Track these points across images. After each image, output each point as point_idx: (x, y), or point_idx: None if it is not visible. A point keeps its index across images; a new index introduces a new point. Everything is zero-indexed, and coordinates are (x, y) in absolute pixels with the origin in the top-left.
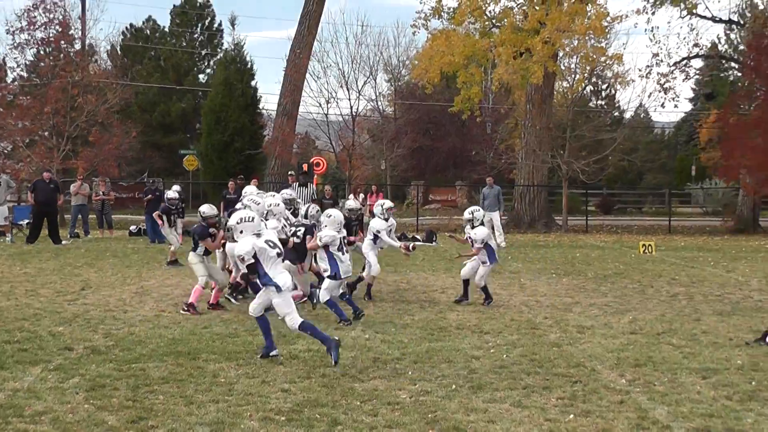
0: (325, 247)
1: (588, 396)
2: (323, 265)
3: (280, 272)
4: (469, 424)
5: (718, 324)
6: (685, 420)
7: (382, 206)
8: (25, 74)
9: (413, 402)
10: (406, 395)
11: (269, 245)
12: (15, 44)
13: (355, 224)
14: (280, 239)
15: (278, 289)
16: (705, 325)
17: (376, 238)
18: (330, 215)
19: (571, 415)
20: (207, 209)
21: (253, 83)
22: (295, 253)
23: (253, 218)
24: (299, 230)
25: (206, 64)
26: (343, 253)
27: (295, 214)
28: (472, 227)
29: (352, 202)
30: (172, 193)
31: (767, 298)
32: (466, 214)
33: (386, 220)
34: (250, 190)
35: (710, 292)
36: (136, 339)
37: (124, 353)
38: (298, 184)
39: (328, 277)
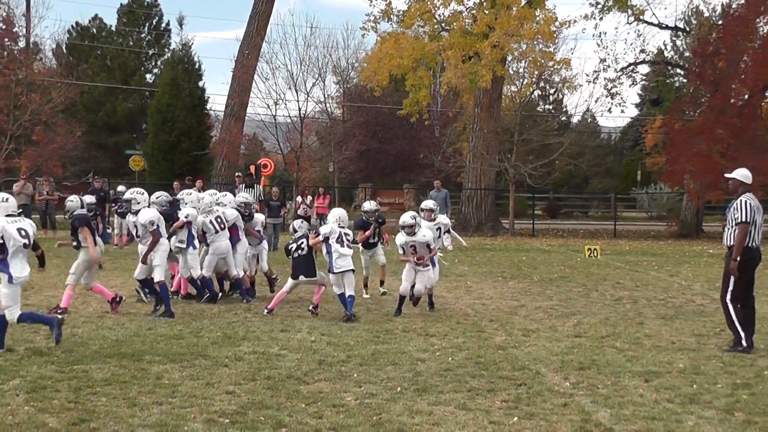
0: (325, 240)
1: (532, 398)
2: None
3: (20, 264)
4: (414, 426)
5: (662, 328)
6: (628, 423)
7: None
8: None
9: (358, 404)
10: (352, 398)
11: (20, 233)
12: None
13: (376, 226)
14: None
15: (10, 279)
16: (648, 329)
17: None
18: (333, 212)
19: (516, 418)
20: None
21: (200, 84)
22: (306, 265)
23: (8, 199)
24: (302, 243)
25: (153, 63)
26: (342, 246)
27: (250, 216)
28: (413, 233)
29: (369, 204)
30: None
31: (709, 303)
32: (408, 219)
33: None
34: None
35: (654, 296)
36: (79, 340)
37: (66, 355)
38: (245, 185)
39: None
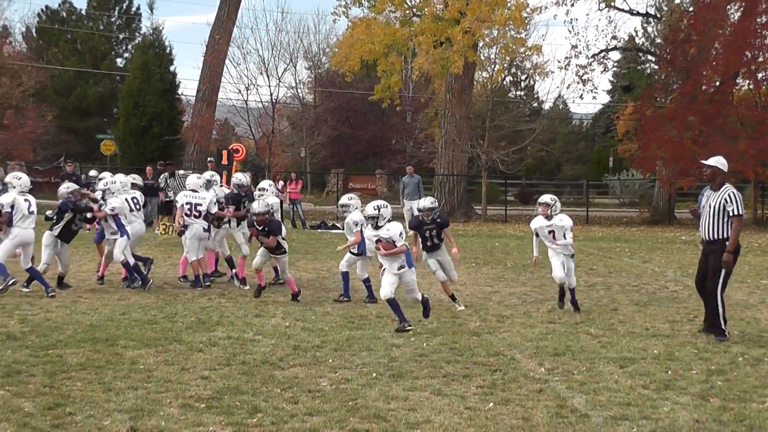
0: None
1: (507, 384)
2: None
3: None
4: (390, 412)
5: (635, 314)
6: (603, 408)
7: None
8: None
9: (334, 390)
10: (327, 383)
11: (28, 208)
12: None
13: (430, 228)
14: None
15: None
16: (622, 315)
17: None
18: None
19: (491, 404)
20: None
21: (171, 68)
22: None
23: (20, 178)
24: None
25: (124, 48)
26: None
27: (251, 198)
28: (377, 227)
29: (427, 202)
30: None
31: (682, 289)
32: (371, 210)
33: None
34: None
35: (627, 283)
36: (53, 325)
37: (41, 339)
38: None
39: (354, 253)
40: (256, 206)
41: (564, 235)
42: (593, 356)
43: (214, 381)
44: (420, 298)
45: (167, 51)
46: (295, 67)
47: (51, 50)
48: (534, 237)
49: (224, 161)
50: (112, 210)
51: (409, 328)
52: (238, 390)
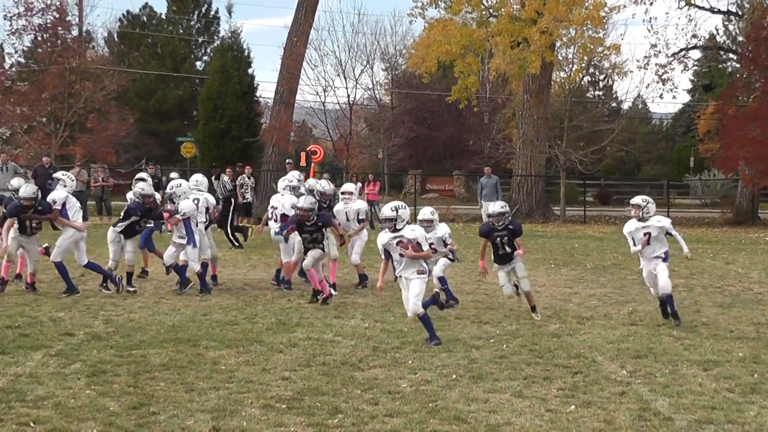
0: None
1: (589, 387)
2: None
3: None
4: (470, 414)
5: (719, 316)
6: (687, 412)
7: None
8: (22, 60)
9: (414, 391)
10: (407, 384)
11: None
12: (12, 30)
13: (501, 235)
14: None
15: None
16: (705, 317)
17: None
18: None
19: (573, 406)
20: (145, 188)
21: (250, 71)
22: None
23: (73, 179)
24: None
25: (203, 51)
26: None
27: (329, 207)
28: (395, 229)
29: (497, 206)
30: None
31: (767, 291)
32: (388, 212)
33: None
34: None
35: (710, 284)
36: (136, 325)
37: (125, 339)
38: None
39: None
40: (302, 202)
41: (668, 234)
42: (676, 358)
43: (294, 382)
44: (420, 313)
45: (245, 54)
46: (372, 69)
47: (132, 54)
48: (630, 243)
49: (302, 163)
50: (183, 215)
51: (433, 343)
52: (318, 391)
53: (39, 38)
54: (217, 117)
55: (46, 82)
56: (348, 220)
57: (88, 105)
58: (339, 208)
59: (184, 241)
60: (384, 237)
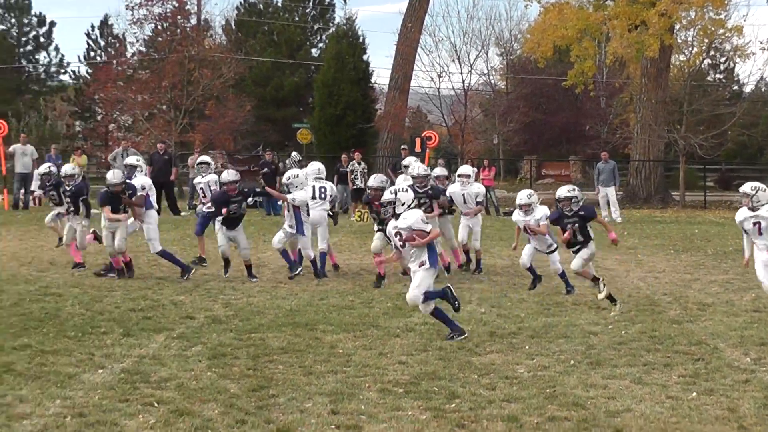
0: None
1: (711, 374)
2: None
3: None
4: (589, 400)
5: None
6: None
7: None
8: (143, 49)
9: (531, 377)
10: (524, 370)
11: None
12: (134, 20)
13: (572, 221)
14: None
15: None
16: None
17: None
18: None
19: (694, 393)
20: (228, 175)
21: (364, 57)
22: None
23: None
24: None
25: (318, 38)
26: None
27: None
28: (526, 213)
29: (564, 190)
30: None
31: None
32: (388, 195)
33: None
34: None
35: None
36: (255, 309)
37: (244, 323)
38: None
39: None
40: (373, 181)
41: None
42: None
43: (411, 366)
44: (423, 304)
45: (360, 40)
46: (486, 54)
47: (249, 42)
48: (743, 234)
49: (417, 149)
50: (293, 201)
51: (459, 338)
52: (435, 375)
53: (159, 27)
54: (333, 103)
55: (166, 70)
56: (465, 202)
57: (206, 92)
58: (456, 189)
59: (293, 231)
60: (390, 226)
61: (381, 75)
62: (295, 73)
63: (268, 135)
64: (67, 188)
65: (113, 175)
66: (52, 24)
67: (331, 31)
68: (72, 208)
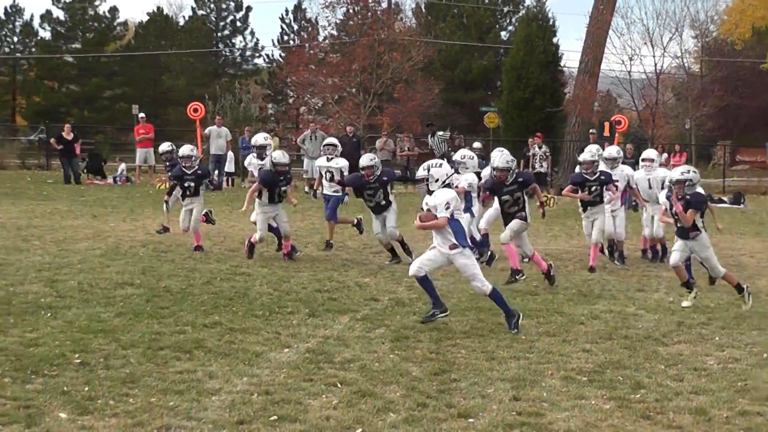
0: None
1: None
2: None
3: None
4: None
5: None
6: None
7: None
8: (335, 32)
9: (721, 369)
10: (714, 361)
11: None
12: (327, 3)
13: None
14: None
15: None
16: None
17: None
18: None
19: None
20: (279, 156)
21: (554, 40)
22: None
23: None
24: None
25: (508, 21)
26: None
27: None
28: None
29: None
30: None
31: None
32: (421, 171)
33: None
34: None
35: None
36: (438, 293)
37: (427, 306)
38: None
39: None
40: (498, 161)
41: None
42: None
43: (595, 354)
44: (488, 291)
45: (550, 23)
46: (680, 36)
47: (438, 25)
48: None
49: (606, 133)
50: (469, 186)
51: (440, 316)
52: (620, 364)
53: (350, 11)
54: (521, 87)
55: (357, 54)
56: (650, 188)
57: (395, 75)
58: (640, 175)
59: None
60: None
61: (570, 58)
62: (483, 56)
63: (455, 118)
64: (188, 171)
65: (281, 156)
66: (249, 9)
67: (520, 14)
68: (193, 190)
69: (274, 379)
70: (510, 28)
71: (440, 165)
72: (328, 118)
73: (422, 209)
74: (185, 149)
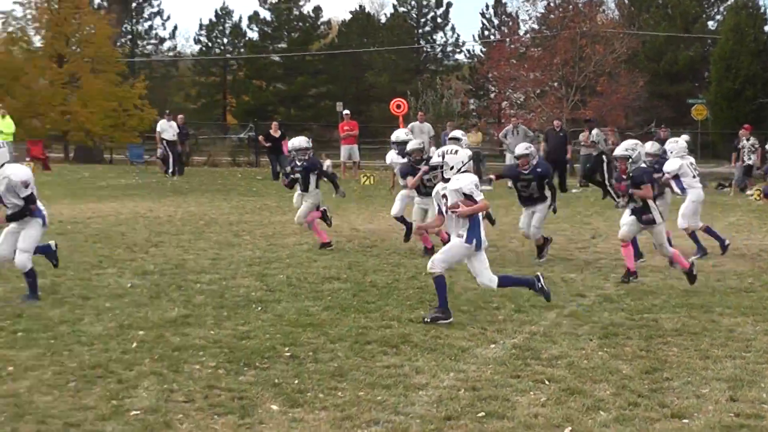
0: None
1: None
2: None
3: None
4: None
5: None
6: None
7: None
8: (536, 26)
9: None
10: None
11: None
12: None
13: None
14: None
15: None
16: None
17: None
18: None
19: None
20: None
21: (765, 28)
22: None
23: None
24: None
25: (715, 10)
26: None
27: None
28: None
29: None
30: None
31: None
32: (435, 158)
33: None
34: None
35: None
36: (647, 289)
37: (636, 303)
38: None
39: None
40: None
41: None
42: None
43: None
44: (494, 285)
45: (761, 11)
46: None
47: (642, 16)
48: None
49: None
50: (669, 173)
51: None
52: None
53: (551, 4)
54: (730, 77)
55: (558, 47)
56: None
57: (598, 68)
58: None
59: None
60: (436, 189)
61: None
62: (690, 46)
63: (660, 111)
64: (298, 163)
65: (414, 141)
66: (449, 5)
67: (729, 2)
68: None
69: (481, 375)
70: (718, 17)
71: (456, 152)
72: (530, 112)
73: (443, 198)
74: (300, 141)
